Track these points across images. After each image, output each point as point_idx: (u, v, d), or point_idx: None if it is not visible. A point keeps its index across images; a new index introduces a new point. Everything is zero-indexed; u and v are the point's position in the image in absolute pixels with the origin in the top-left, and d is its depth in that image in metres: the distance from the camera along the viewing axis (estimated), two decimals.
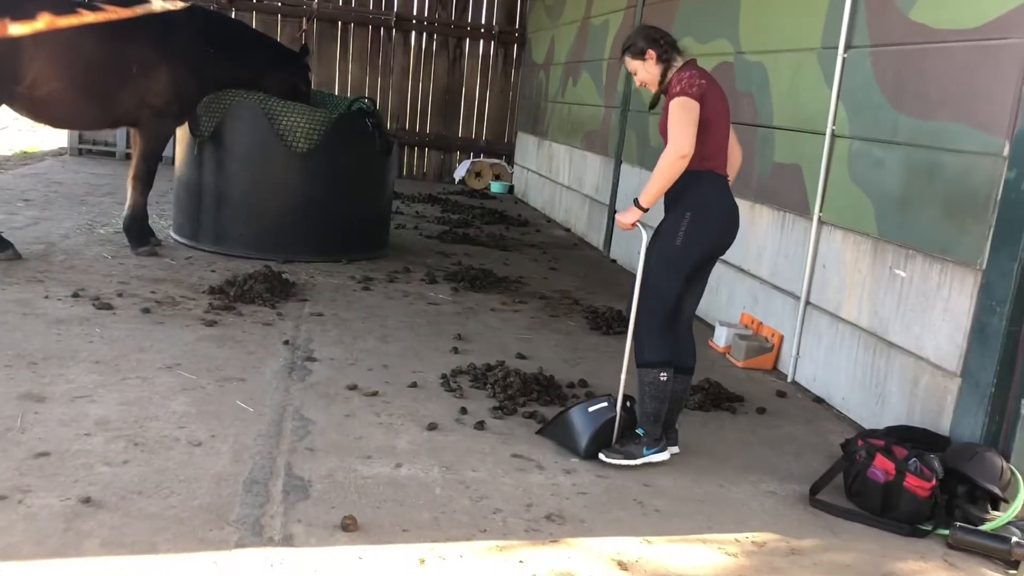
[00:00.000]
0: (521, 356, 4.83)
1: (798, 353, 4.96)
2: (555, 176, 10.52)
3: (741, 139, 5.74)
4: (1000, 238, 3.54)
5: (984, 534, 3.16)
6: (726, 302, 5.83)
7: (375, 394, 4.01)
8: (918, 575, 2.99)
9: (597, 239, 8.74)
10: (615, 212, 8.21)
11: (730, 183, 3.68)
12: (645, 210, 3.60)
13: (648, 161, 7.39)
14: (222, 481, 3.04)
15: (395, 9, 12.59)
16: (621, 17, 8.45)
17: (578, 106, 9.68)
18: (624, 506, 3.23)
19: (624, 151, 8.09)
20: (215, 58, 6.37)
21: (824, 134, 4.75)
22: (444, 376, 4.34)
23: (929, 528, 3.25)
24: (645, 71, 3.71)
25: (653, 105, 3.84)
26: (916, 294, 4.04)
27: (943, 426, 3.78)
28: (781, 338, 5.17)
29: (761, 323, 5.39)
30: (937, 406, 3.84)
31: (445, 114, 12.99)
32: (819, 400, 4.68)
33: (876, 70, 4.39)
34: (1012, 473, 3.38)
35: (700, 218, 3.51)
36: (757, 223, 5.53)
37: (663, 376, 3.57)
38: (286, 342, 4.64)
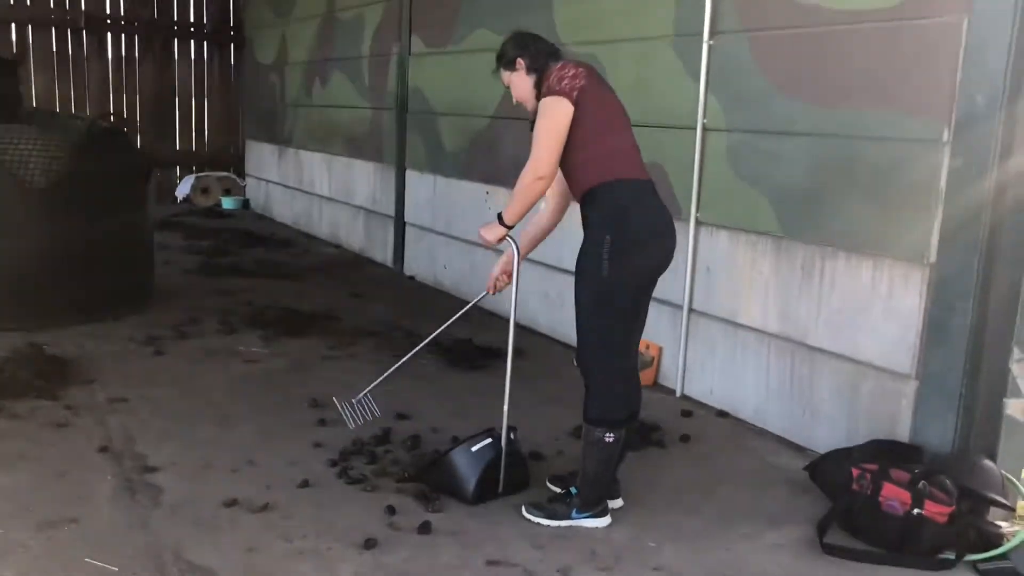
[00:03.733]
0: (402, 416, 4.04)
1: (685, 365, 4.60)
2: (309, 187, 9.52)
3: None
4: (951, 230, 3.33)
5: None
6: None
7: (265, 508, 3.06)
8: None
9: (383, 254, 7.94)
10: (402, 221, 7.48)
11: None
12: (509, 227, 3.08)
13: (446, 167, 6.74)
14: None
15: (83, 7, 10.77)
16: (381, 10, 7.68)
17: (333, 109, 8.77)
18: None
19: (408, 157, 7.36)
20: None
21: (693, 128, 4.39)
22: (333, 462, 3.46)
23: (953, 557, 2.95)
24: (516, 84, 3.14)
25: (532, 126, 3.20)
26: (841, 295, 3.78)
27: (900, 432, 3.55)
28: (660, 350, 4.78)
29: None
30: (889, 411, 3.61)
31: (158, 126, 11.37)
32: (723, 414, 4.34)
33: (758, 57, 4.08)
34: (1007, 478, 3.19)
35: (622, 238, 2.90)
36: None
37: (609, 438, 3.01)
38: (103, 449, 3.49)
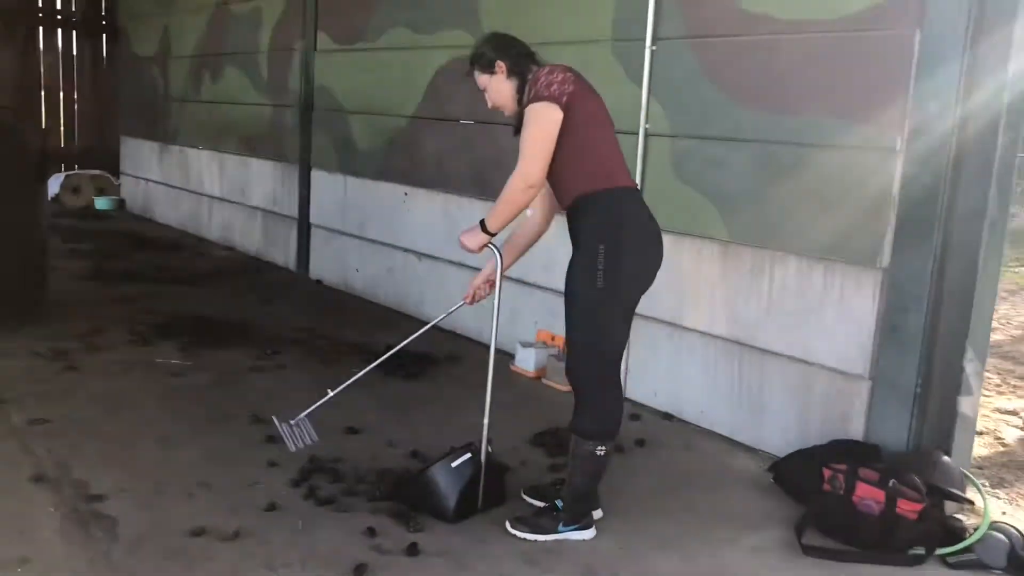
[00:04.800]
0: (352, 430, 3.87)
1: (627, 368, 4.61)
2: (197, 187, 9.08)
3: (507, 142, 5.28)
4: (904, 235, 3.46)
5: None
6: (511, 319, 5.30)
7: (237, 535, 2.86)
8: None
9: (284, 257, 7.65)
10: (307, 223, 7.23)
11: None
12: (492, 235, 3.01)
13: (359, 168, 6.55)
14: None
15: None
16: (282, 3, 7.39)
17: (226, 105, 8.38)
18: None
19: (314, 156, 7.11)
20: None
21: (636, 134, 4.40)
22: (296, 482, 3.28)
23: (923, 552, 3.06)
24: (495, 89, 3.04)
25: (517, 131, 3.13)
26: (792, 298, 3.86)
27: (853, 431, 3.65)
28: None
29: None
30: (842, 411, 3.71)
31: (22, 121, 10.58)
32: (668, 416, 4.38)
33: (704, 63, 4.12)
34: (964, 473, 3.34)
35: (617, 248, 2.86)
36: (545, 233, 5.04)
37: (600, 451, 2.97)
38: (37, 478, 3.19)
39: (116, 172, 10.96)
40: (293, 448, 3.32)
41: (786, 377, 3.92)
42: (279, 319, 5.75)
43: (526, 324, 5.17)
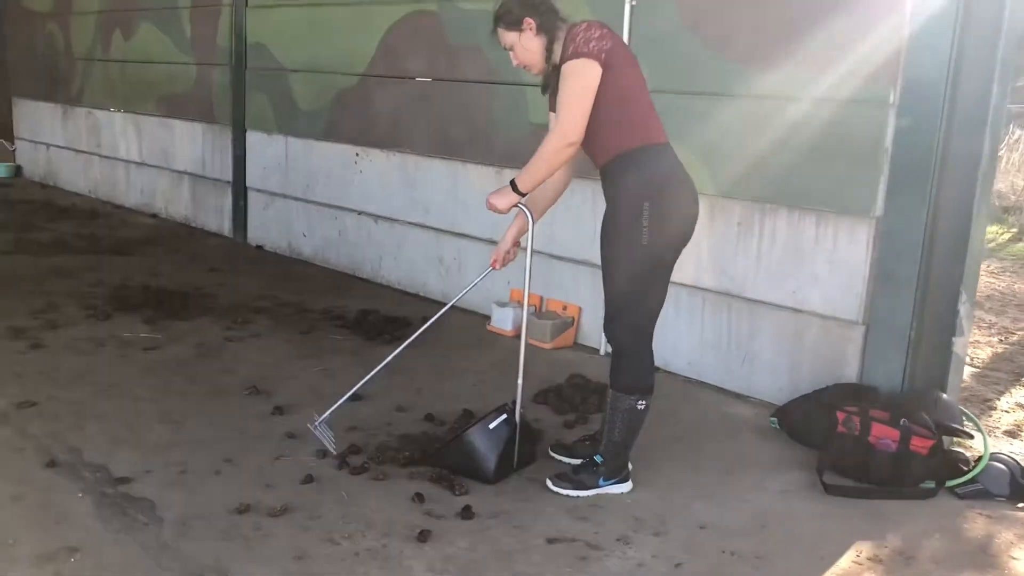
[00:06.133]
0: (356, 397, 3.80)
1: None
2: (111, 152, 8.62)
3: (470, 98, 5.22)
4: (897, 186, 3.60)
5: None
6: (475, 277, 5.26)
7: (285, 510, 2.78)
8: (992, 535, 2.95)
9: (218, 223, 7.37)
10: (243, 187, 6.97)
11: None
12: (523, 195, 2.98)
13: (302, 129, 6.34)
14: None
15: None
16: None
17: (142, 64, 7.95)
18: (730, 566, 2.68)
19: (249, 117, 6.84)
20: None
21: None
22: (323, 453, 3.21)
23: (934, 485, 3.25)
24: (523, 47, 2.96)
25: (545, 89, 3.10)
26: (782, 249, 3.98)
27: (848, 375, 3.81)
28: (579, 311, 4.83)
29: (542, 297, 4.98)
30: (835, 356, 3.86)
31: None
32: (656, 368, 4.46)
33: (687, 18, 4.15)
34: (961, 410, 3.54)
35: (662, 204, 2.87)
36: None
37: (641, 404, 3.03)
38: (50, 464, 3.01)
39: (10, 137, 10.28)
40: (335, 451, 3.21)
41: (778, 326, 4.05)
42: (233, 288, 5.56)
43: (499, 284, 5.16)
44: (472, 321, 5.07)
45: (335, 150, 6.13)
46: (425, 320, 5.06)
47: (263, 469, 3.09)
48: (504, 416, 3.14)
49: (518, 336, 4.87)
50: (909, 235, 3.58)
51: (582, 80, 2.80)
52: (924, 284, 3.59)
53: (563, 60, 2.84)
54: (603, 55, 2.81)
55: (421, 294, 5.60)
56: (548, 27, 2.93)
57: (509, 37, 2.99)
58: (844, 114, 3.71)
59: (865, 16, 3.61)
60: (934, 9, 3.43)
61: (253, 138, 6.85)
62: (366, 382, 3.38)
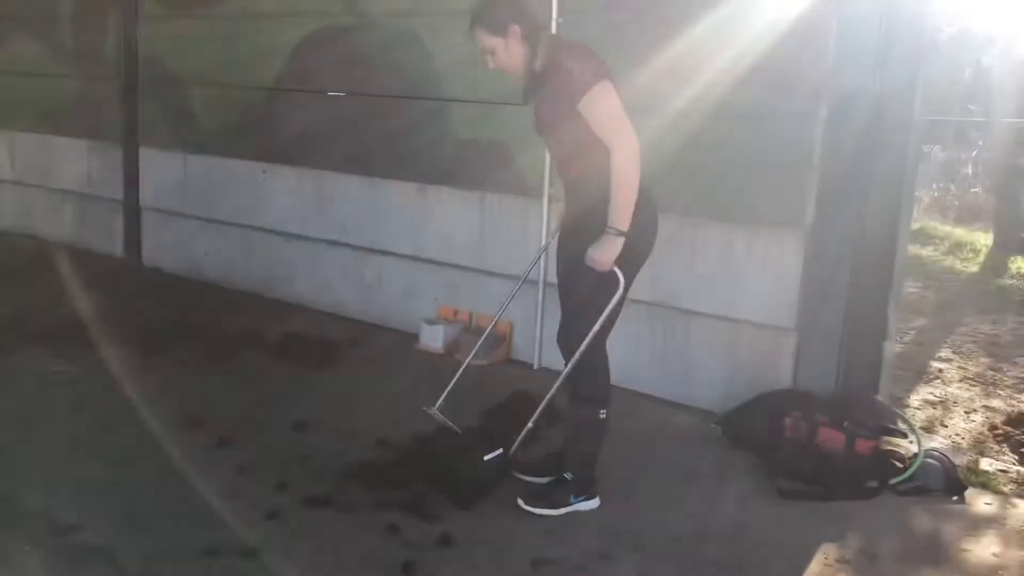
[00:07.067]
0: (301, 425, 3.67)
1: (542, 338, 4.68)
2: None
3: (389, 113, 5.12)
4: (827, 196, 3.75)
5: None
6: (403, 297, 5.19)
7: (254, 551, 2.64)
8: (939, 530, 3.09)
9: (108, 245, 6.96)
10: (137, 206, 6.63)
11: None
12: (625, 233, 2.90)
13: (203, 145, 6.09)
14: None
15: None
16: None
17: (13, 77, 7.46)
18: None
19: (142, 133, 6.52)
20: None
21: None
22: (281, 485, 3.07)
23: (876, 484, 3.40)
24: (506, 52, 2.97)
25: (527, 98, 3.09)
26: (715, 262, 4.09)
27: (782, 381, 3.95)
28: (511, 326, 4.82)
29: (471, 313, 4.95)
30: (769, 362, 3.97)
31: None
32: None
33: (614, 36, 4.20)
34: (894, 411, 3.72)
35: (640, 237, 2.98)
36: (436, 207, 4.98)
37: (602, 414, 3.07)
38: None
39: None
40: (458, 431, 3.35)
41: (712, 336, 4.15)
42: (139, 312, 5.29)
43: (425, 302, 5.10)
44: (397, 339, 4.99)
45: (240, 167, 5.92)
46: (350, 340, 4.98)
47: (220, 506, 2.93)
48: (500, 451, 3.12)
49: (448, 354, 4.85)
50: (839, 244, 3.75)
51: (611, 100, 2.86)
52: (854, 290, 3.76)
53: (578, 86, 2.84)
54: (610, 72, 2.85)
55: (338, 313, 5.47)
56: (532, 35, 2.93)
57: (491, 41, 2.96)
58: (773, 129, 3.83)
59: (793, 33, 3.74)
60: (859, 26, 3.61)
61: (147, 154, 6.53)
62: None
